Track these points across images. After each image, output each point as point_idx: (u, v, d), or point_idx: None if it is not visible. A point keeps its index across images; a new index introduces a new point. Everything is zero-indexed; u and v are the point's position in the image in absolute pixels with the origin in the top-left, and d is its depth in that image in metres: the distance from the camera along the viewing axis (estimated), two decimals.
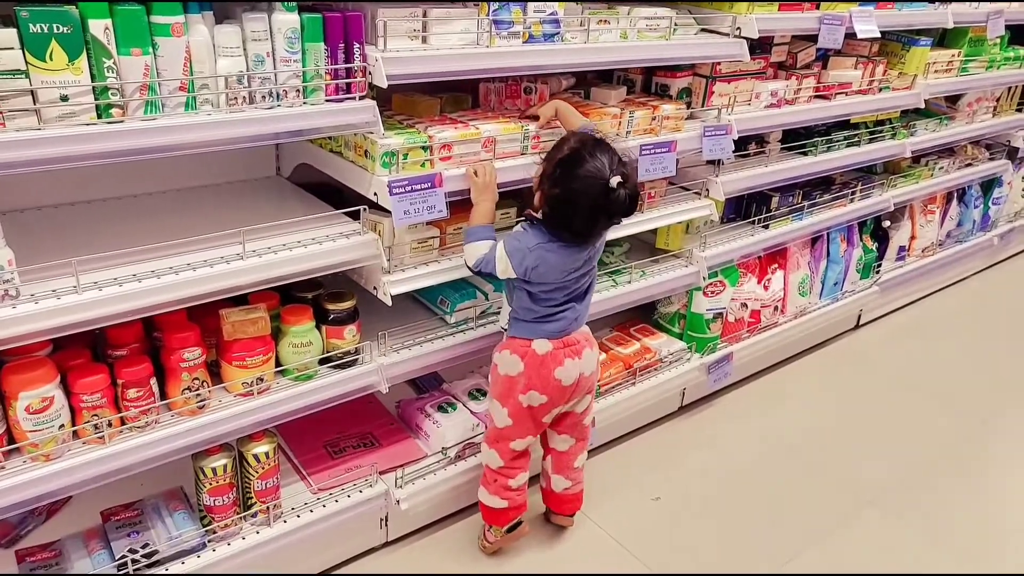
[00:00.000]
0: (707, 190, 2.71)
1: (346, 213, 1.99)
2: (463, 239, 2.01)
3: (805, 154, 3.04)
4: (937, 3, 3.16)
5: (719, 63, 2.55)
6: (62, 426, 1.60)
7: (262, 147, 2.23)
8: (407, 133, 1.94)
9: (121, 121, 1.51)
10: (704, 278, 2.76)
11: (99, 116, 1.49)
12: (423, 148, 1.92)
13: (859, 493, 2.60)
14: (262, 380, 1.86)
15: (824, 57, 3.07)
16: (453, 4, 1.94)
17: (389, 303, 1.97)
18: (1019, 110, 4.24)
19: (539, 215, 1.92)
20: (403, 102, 2.22)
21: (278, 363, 1.92)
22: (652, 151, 2.34)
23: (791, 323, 3.24)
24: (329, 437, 2.29)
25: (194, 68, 1.57)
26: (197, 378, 1.77)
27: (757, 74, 2.72)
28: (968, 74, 3.57)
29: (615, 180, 1.79)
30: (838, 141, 3.15)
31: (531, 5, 2.01)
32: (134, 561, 1.77)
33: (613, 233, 2.10)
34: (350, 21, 1.74)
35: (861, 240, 3.54)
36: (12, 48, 1.36)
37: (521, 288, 1.95)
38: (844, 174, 3.43)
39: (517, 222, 2.07)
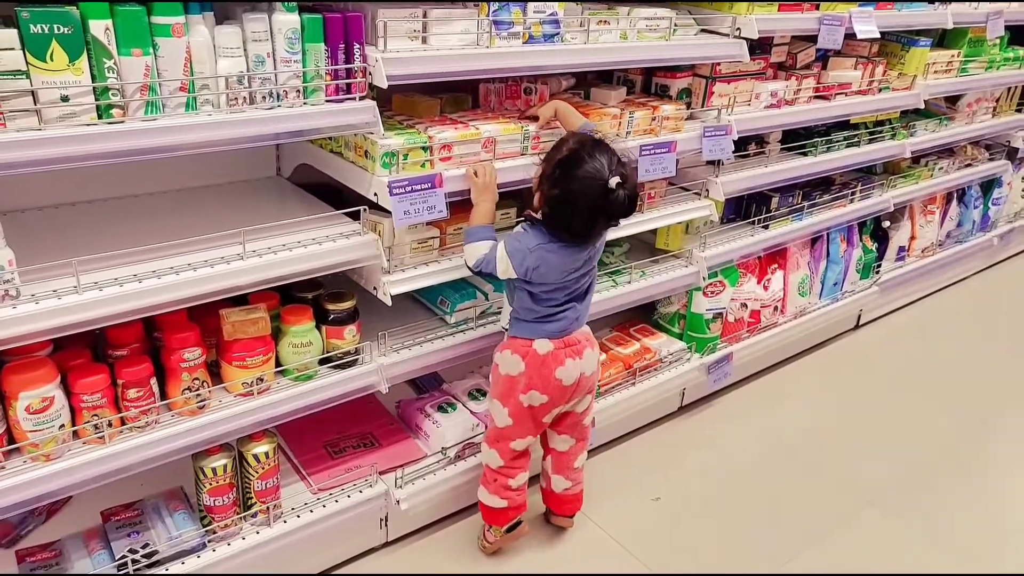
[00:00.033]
0: (707, 190, 2.71)
1: (346, 213, 1.99)
2: (463, 239, 2.01)
3: (805, 154, 3.05)
4: (937, 3, 3.17)
5: (719, 64, 2.55)
6: (62, 426, 1.61)
7: (262, 147, 2.24)
8: (407, 133, 1.94)
9: (122, 121, 1.51)
10: (704, 278, 2.76)
11: (100, 116, 1.49)
12: (423, 148, 1.92)
13: (859, 493, 2.60)
14: (262, 380, 1.86)
15: (824, 57, 3.08)
16: (453, 5, 1.94)
17: (389, 303, 1.97)
18: (1019, 110, 4.24)
19: (539, 215, 1.92)
20: (403, 102, 2.22)
21: (278, 363, 1.92)
22: (652, 151, 2.34)
23: (791, 323, 3.24)
24: (329, 437, 2.29)
25: (194, 68, 1.57)
26: (197, 378, 1.77)
27: (757, 74, 2.73)
28: (968, 74, 3.58)
29: (614, 181, 1.79)
30: (838, 141, 3.15)
31: (531, 5, 2.01)
32: (134, 561, 1.78)
33: (613, 233, 2.10)
34: (350, 21, 1.74)
35: (861, 240, 3.54)
36: (13, 49, 1.36)
37: (522, 288, 1.95)
38: (844, 174, 3.43)
39: (517, 222, 2.07)
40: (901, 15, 3.02)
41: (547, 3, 2.04)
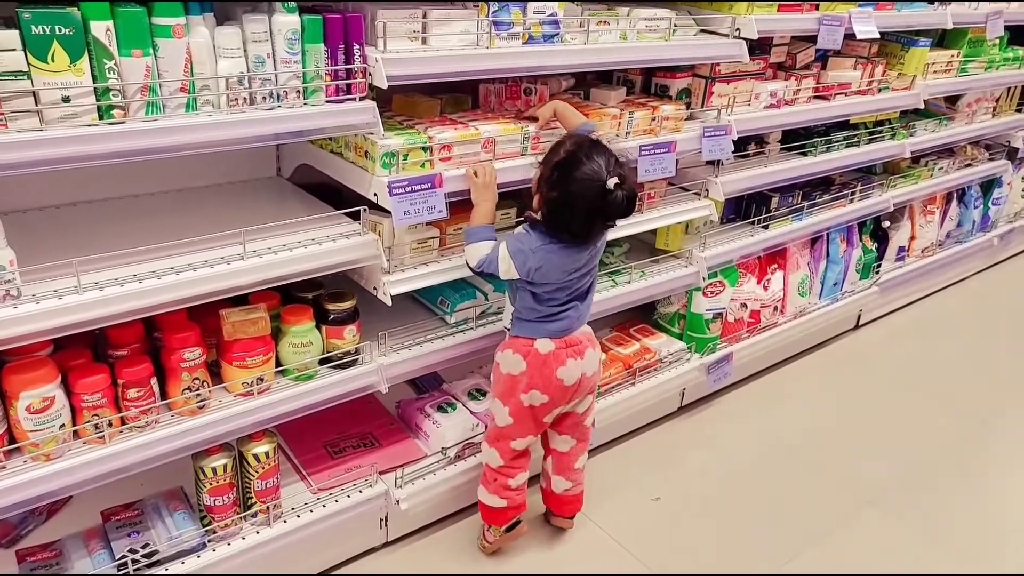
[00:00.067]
0: (707, 190, 2.71)
1: (346, 213, 1.99)
2: (464, 240, 2.01)
3: (805, 154, 3.05)
4: (936, 4, 3.17)
5: (718, 64, 2.56)
6: (63, 426, 1.61)
7: (263, 148, 2.24)
8: (407, 134, 1.94)
9: (122, 122, 1.51)
10: (704, 278, 2.76)
11: (100, 117, 1.49)
12: (423, 149, 1.92)
13: (859, 493, 2.60)
14: (262, 380, 1.87)
15: (823, 58, 3.08)
16: (453, 5, 1.95)
17: (389, 303, 1.97)
18: (1019, 110, 4.24)
19: (539, 216, 1.92)
20: (403, 103, 2.22)
21: (278, 363, 1.93)
22: (652, 152, 2.35)
23: (791, 323, 3.24)
24: (329, 437, 2.30)
25: (195, 69, 1.57)
26: (197, 378, 1.77)
27: (756, 75, 2.73)
28: (967, 75, 3.58)
29: (612, 182, 1.79)
30: (837, 141, 3.16)
31: (531, 6, 2.02)
32: (134, 561, 1.78)
33: (613, 233, 2.10)
34: (350, 22, 1.74)
35: (861, 240, 3.54)
36: (14, 49, 1.37)
37: (524, 289, 1.95)
38: (844, 174, 3.43)
39: (517, 222, 2.07)
40: (901, 15, 3.03)
41: (547, 3, 2.05)
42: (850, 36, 2.80)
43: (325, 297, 2.00)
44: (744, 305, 3.02)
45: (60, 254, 1.57)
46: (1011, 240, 4.56)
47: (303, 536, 1.99)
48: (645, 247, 2.88)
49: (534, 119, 2.15)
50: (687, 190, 2.76)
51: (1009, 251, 4.64)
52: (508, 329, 2.08)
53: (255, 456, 1.88)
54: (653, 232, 2.78)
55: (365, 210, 1.91)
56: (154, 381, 1.72)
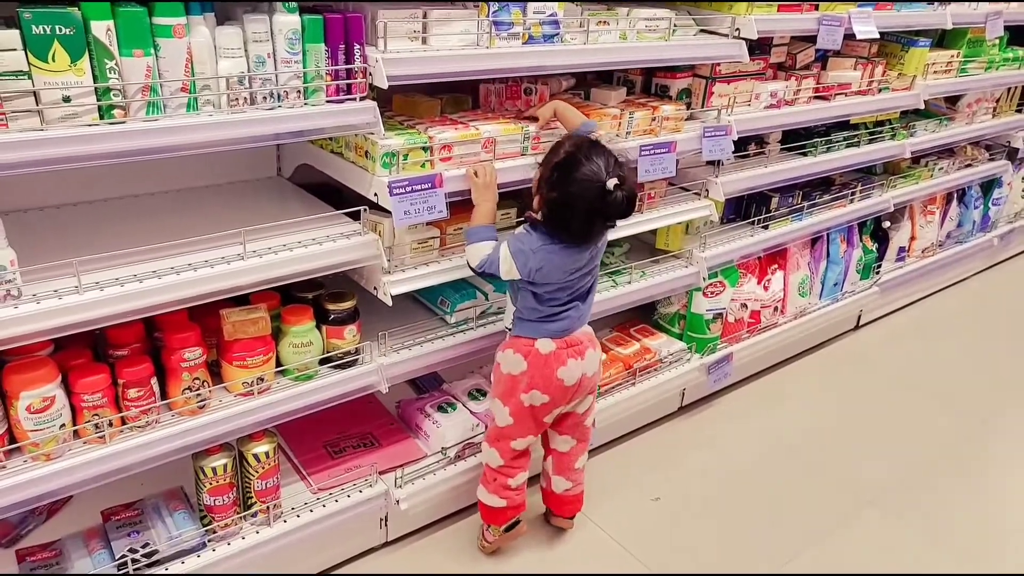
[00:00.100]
0: (707, 191, 2.71)
1: (346, 213, 1.99)
2: (464, 239, 2.01)
3: (805, 155, 3.05)
4: (936, 4, 3.17)
5: (718, 64, 2.56)
6: (63, 426, 1.61)
7: (263, 148, 2.24)
8: (407, 134, 1.94)
9: (123, 122, 1.51)
10: (704, 278, 2.76)
11: (101, 117, 1.49)
12: (423, 149, 1.92)
13: (859, 493, 2.60)
14: (262, 380, 1.87)
15: (823, 58, 3.08)
16: (453, 5, 1.95)
17: (389, 303, 1.97)
18: (1019, 111, 4.24)
19: (539, 217, 1.92)
20: (403, 103, 2.22)
21: (278, 363, 1.93)
22: (652, 152, 2.35)
23: (791, 324, 3.24)
24: (329, 437, 2.30)
25: (195, 69, 1.58)
26: (198, 378, 1.77)
27: (756, 75, 2.73)
28: (967, 75, 3.58)
29: (611, 183, 1.79)
30: (838, 142, 3.16)
31: (531, 6, 2.02)
32: (134, 561, 1.78)
33: (613, 233, 2.10)
34: (350, 22, 1.74)
35: (861, 241, 3.54)
36: (15, 49, 1.37)
37: (526, 289, 1.96)
38: (844, 175, 3.43)
39: (517, 222, 2.07)
40: (900, 15, 3.03)
41: (547, 3, 2.05)
42: (850, 36, 2.80)
43: (325, 297, 2.01)
44: (744, 305, 3.02)
45: (61, 254, 1.57)
46: (1011, 240, 4.56)
47: (303, 536, 1.99)
48: (645, 247, 2.88)
49: (534, 119, 2.15)
50: (687, 190, 2.76)
51: (1009, 251, 4.64)
52: (509, 329, 2.08)
53: (255, 456, 1.88)
54: (653, 232, 2.78)
55: (365, 210, 1.91)
56: (154, 381, 1.72)
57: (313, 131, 1.77)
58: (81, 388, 1.62)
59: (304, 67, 1.72)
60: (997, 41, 3.69)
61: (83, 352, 1.71)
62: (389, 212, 1.86)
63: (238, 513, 1.92)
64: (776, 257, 3.16)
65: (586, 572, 2.21)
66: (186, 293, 1.64)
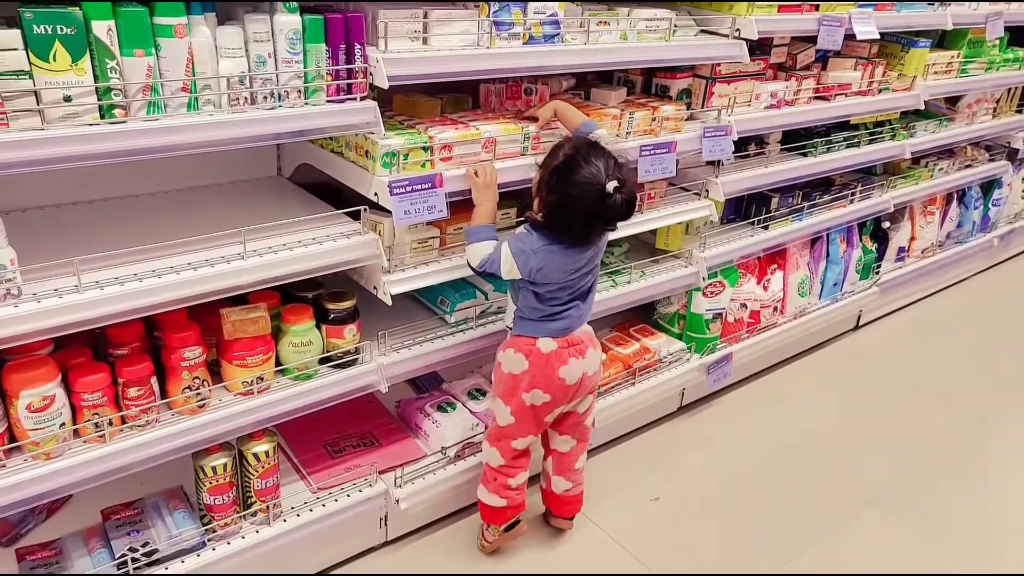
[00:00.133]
0: (707, 191, 2.72)
1: (346, 213, 1.99)
2: (465, 239, 2.02)
3: (805, 155, 3.05)
4: (936, 4, 3.17)
5: (719, 64, 2.56)
6: (63, 425, 1.61)
7: (263, 147, 2.24)
8: (408, 134, 1.95)
9: (124, 121, 1.52)
10: (704, 278, 2.76)
11: (102, 116, 1.49)
12: (424, 148, 1.92)
13: (859, 493, 2.60)
14: (262, 379, 1.87)
15: (823, 58, 3.08)
16: (454, 5, 1.95)
17: (389, 303, 1.98)
18: (1019, 111, 4.24)
19: (539, 217, 1.92)
20: (404, 103, 2.23)
21: (278, 362, 1.93)
22: (652, 152, 2.35)
23: (790, 324, 3.25)
24: (329, 436, 2.30)
25: (196, 69, 1.58)
26: (197, 377, 1.78)
27: (757, 75, 2.73)
28: (967, 75, 3.58)
29: (611, 185, 1.79)
30: (838, 142, 3.16)
31: (531, 6, 2.02)
32: (134, 560, 1.78)
33: (613, 234, 2.10)
34: (351, 22, 1.75)
35: (861, 241, 3.55)
36: (16, 49, 1.37)
37: (527, 288, 1.96)
38: (844, 175, 3.43)
39: (518, 222, 2.07)
40: (900, 16, 3.03)
41: (547, 4, 2.05)
42: (850, 37, 2.80)
43: (325, 296, 2.01)
44: (744, 305, 3.02)
45: (61, 253, 1.57)
46: (1011, 241, 4.56)
47: (303, 535, 2.00)
48: (645, 247, 2.88)
49: (534, 119, 2.15)
50: (687, 190, 2.76)
51: (1009, 252, 4.64)
52: (510, 328, 2.08)
53: (255, 455, 1.88)
54: (653, 232, 2.78)
55: (365, 210, 1.92)
56: (154, 380, 1.73)
57: (313, 131, 1.78)
58: (81, 387, 1.62)
59: (305, 67, 1.72)
60: (997, 42, 3.69)
61: (83, 351, 1.71)
62: (389, 212, 1.86)
63: (238, 512, 1.92)
64: (776, 257, 3.16)
65: (586, 572, 2.21)
66: (186, 292, 1.64)
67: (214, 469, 1.84)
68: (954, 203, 4.07)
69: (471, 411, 2.39)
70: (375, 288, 1.99)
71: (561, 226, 1.86)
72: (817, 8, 2.69)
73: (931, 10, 3.15)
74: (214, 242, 1.76)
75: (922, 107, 3.40)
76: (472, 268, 1.99)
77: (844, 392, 3.21)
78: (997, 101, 4.04)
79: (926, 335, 3.74)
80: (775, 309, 3.20)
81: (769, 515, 2.48)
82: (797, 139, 3.07)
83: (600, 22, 2.20)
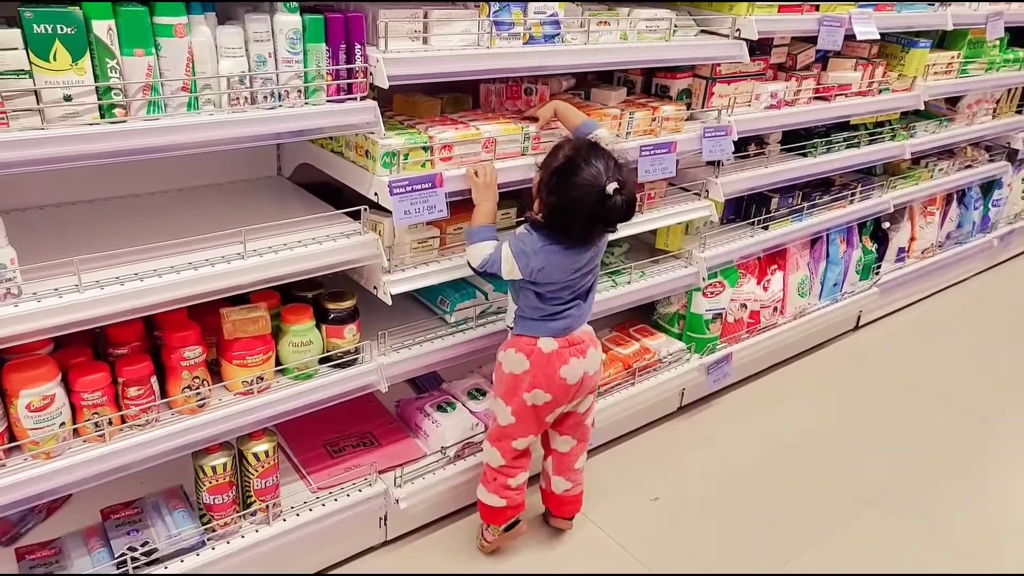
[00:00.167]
0: (707, 191, 2.72)
1: (346, 213, 1.99)
2: (465, 239, 2.02)
3: (805, 155, 3.05)
4: (936, 5, 3.17)
5: (719, 64, 2.56)
6: (63, 424, 1.61)
7: (263, 147, 2.24)
8: (408, 133, 1.95)
9: (124, 121, 1.52)
10: (703, 279, 2.77)
11: (102, 116, 1.49)
12: (424, 148, 1.92)
13: (859, 493, 2.60)
14: (262, 379, 1.87)
15: (824, 59, 3.08)
16: (454, 5, 1.95)
17: (389, 303, 1.98)
18: (1019, 112, 4.24)
19: (540, 218, 1.93)
20: (404, 103, 2.23)
21: (278, 362, 1.93)
22: (652, 152, 2.35)
23: (790, 324, 3.25)
24: (329, 436, 2.30)
25: (196, 68, 1.58)
26: (197, 377, 1.78)
27: (757, 75, 2.73)
28: (968, 76, 3.58)
29: (611, 187, 1.79)
30: (838, 142, 3.16)
31: (531, 6, 2.02)
32: (134, 559, 1.78)
33: (613, 234, 2.10)
34: (351, 22, 1.75)
35: (860, 241, 3.55)
36: (16, 48, 1.37)
37: (528, 288, 1.96)
38: (844, 175, 3.43)
39: (518, 222, 2.07)
40: (901, 16, 3.03)
41: (547, 4, 2.05)
42: (850, 37, 2.80)
43: (325, 296, 2.01)
44: (744, 305, 3.02)
45: (61, 253, 1.57)
46: (1011, 241, 4.56)
47: (302, 535, 2.00)
48: (645, 247, 2.88)
49: (535, 119, 2.15)
50: (687, 190, 2.76)
51: (1009, 252, 4.64)
52: (511, 328, 2.08)
53: (255, 455, 1.88)
54: (653, 232, 2.78)
55: (365, 209, 1.92)
56: (154, 380, 1.73)
57: (313, 131, 1.78)
58: (81, 386, 1.62)
59: (305, 67, 1.72)
60: (997, 42, 3.69)
61: (83, 351, 1.71)
62: (389, 212, 1.86)
63: (237, 512, 1.92)
64: (776, 257, 3.16)
65: (586, 572, 2.21)
66: (186, 292, 1.64)
67: (214, 469, 1.84)
68: (954, 203, 4.08)
69: (471, 411, 2.39)
70: (375, 288, 1.99)
71: (561, 227, 1.87)
72: (817, 8, 2.69)
73: (931, 10, 3.15)
74: (214, 242, 1.76)
75: (922, 107, 3.40)
76: (472, 268, 1.99)
77: (844, 392, 3.21)
78: (997, 101, 4.04)
79: (926, 335, 3.74)
80: (775, 309, 3.20)
81: (769, 515, 2.48)
82: (797, 139, 3.07)
83: (600, 22, 2.20)
